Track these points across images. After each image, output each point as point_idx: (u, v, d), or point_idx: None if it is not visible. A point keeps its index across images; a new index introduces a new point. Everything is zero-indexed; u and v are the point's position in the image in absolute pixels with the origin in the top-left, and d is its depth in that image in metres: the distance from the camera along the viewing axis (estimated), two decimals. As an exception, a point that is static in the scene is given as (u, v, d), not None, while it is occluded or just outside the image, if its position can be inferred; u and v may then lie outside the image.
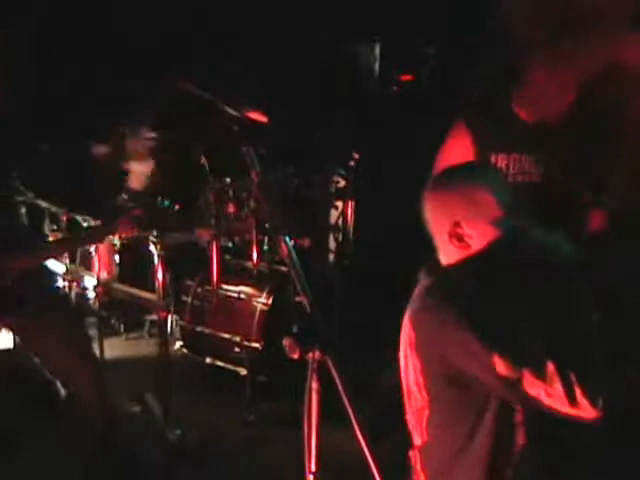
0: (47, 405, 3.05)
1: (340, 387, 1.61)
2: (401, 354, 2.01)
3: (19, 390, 3.38)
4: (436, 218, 1.94)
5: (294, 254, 1.64)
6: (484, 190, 1.89)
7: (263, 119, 1.65)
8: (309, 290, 1.65)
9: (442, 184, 2.01)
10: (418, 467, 2.03)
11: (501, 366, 1.68)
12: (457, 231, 1.88)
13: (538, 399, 1.67)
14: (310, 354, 1.60)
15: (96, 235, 2.97)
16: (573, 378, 1.64)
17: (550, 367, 1.64)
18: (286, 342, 1.59)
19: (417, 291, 1.96)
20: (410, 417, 2.02)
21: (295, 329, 1.60)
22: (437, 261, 1.97)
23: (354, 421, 1.61)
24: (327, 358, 1.61)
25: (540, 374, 1.65)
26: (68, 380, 2.81)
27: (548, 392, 1.65)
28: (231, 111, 1.67)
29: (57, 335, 2.75)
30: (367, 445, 1.61)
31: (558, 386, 1.64)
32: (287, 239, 1.64)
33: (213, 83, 1.76)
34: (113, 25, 4.30)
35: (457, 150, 2.84)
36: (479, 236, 1.86)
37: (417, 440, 2.02)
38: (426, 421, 1.95)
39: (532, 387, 1.66)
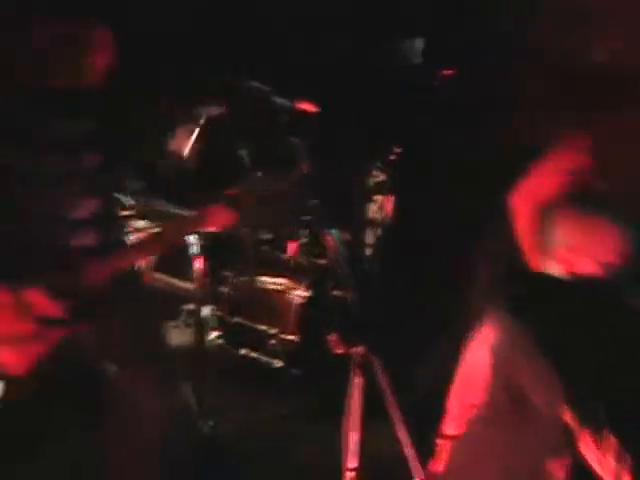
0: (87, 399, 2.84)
1: (384, 384, 1.59)
2: (473, 345, 1.97)
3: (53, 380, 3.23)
4: (553, 230, 1.91)
5: (342, 248, 1.61)
6: (616, 234, 1.84)
7: (314, 109, 1.62)
8: (355, 285, 1.62)
9: (577, 204, 1.96)
10: (442, 455, 2.01)
11: (567, 414, 1.65)
12: (562, 253, 1.85)
13: (588, 460, 1.64)
14: (354, 350, 1.58)
15: (181, 230, 2.40)
16: (628, 463, 1.60)
17: (611, 439, 1.61)
18: (331, 337, 1.57)
19: (506, 293, 1.93)
20: (454, 406, 2.00)
21: (340, 324, 1.58)
22: (527, 267, 1.94)
23: (397, 418, 1.58)
24: (371, 354, 1.59)
25: (599, 440, 1.62)
26: (132, 382, 2.43)
27: (600, 460, 1.63)
28: (281, 101, 1.65)
29: (139, 338, 2.40)
30: (410, 444, 1.59)
31: (611, 460, 1.61)
32: (335, 232, 1.62)
33: (262, 74, 1.74)
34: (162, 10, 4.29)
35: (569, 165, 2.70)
36: (580, 268, 1.83)
37: (451, 430, 2.00)
38: (472, 417, 1.92)
39: (587, 448, 1.64)
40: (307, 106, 1.67)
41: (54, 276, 2.00)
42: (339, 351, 1.57)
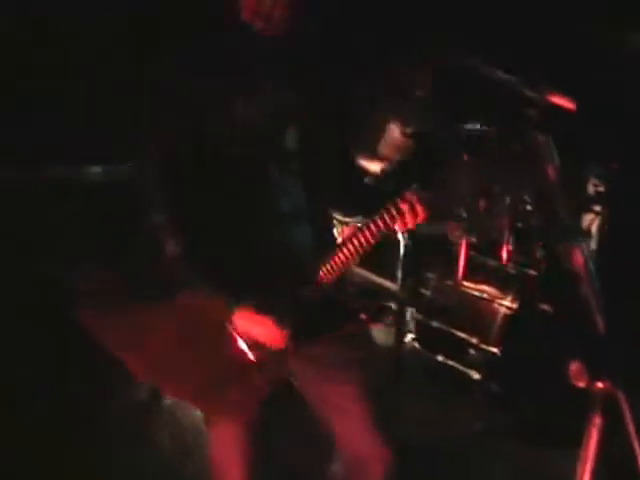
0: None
1: (630, 427, 1.36)
2: None
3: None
4: None
5: (592, 266, 1.40)
6: None
7: (570, 106, 1.41)
8: (603, 308, 1.41)
9: None
10: None
11: None
12: None
13: None
14: (599, 384, 1.37)
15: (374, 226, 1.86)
16: None
17: None
18: (573, 367, 1.36)
19: None
20: None
21: (584, 353, 1.37)
22: None
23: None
24: (618, 392, 1.37)
25: None
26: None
27: None
28: (529, 93, 1.46)
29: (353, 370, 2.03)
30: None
31: None
32: (584, 244, 1.40)
33: (509, 60, 1.56)
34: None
35: None
36: None
37: None
38: None
39: None
40: (562, 101, 1.47)
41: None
42: (581, 384, 1.36)
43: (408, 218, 1.82)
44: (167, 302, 1.80)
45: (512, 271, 3.86)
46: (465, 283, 3.87)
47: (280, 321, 1.80)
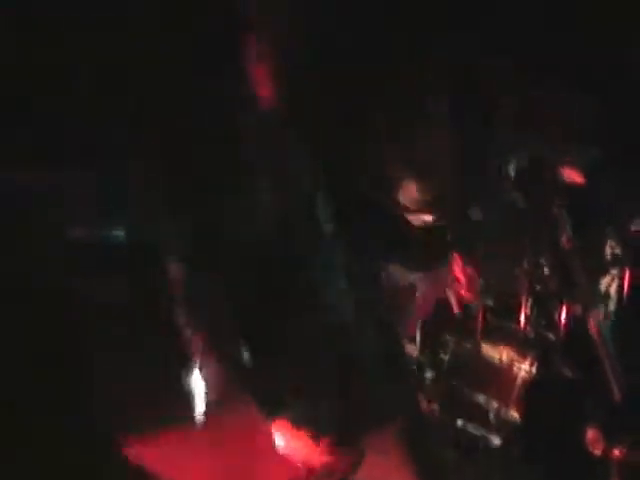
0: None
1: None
2: None
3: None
4: None
5: (606, 332, 1.43)
6: None
7: (579, 180, 1.45)
8: (620, 376, 1.43)
9: None
10: None
11: None
12: None
13: None
14: (616, 452, 1.38)
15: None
16: None
17: None
18: (590, 434, 1.38)
19: None
20: None
21: (601, 420, 1.39)
22: None
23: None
24: (635, 456, 1.38)
25: None
26: None
27: None
28: (544, 170, 1.49)
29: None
30: None
31: None
32: (598, 313, 1.44)
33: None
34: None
35: None
36: None
37: None
38: None
39: None
40: (572, 175, 1.52)
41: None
42: (597, 451, 1.37)
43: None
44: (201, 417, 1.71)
45: (530, 335, 3.86)
46: (483, 346, 3.87)
47: (318, 435, 1.65)
